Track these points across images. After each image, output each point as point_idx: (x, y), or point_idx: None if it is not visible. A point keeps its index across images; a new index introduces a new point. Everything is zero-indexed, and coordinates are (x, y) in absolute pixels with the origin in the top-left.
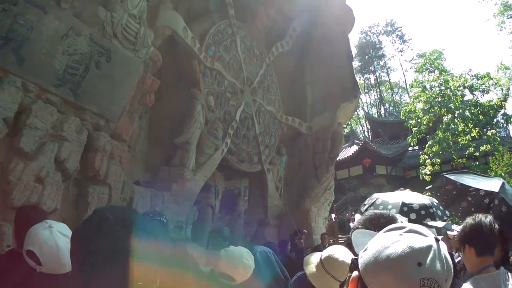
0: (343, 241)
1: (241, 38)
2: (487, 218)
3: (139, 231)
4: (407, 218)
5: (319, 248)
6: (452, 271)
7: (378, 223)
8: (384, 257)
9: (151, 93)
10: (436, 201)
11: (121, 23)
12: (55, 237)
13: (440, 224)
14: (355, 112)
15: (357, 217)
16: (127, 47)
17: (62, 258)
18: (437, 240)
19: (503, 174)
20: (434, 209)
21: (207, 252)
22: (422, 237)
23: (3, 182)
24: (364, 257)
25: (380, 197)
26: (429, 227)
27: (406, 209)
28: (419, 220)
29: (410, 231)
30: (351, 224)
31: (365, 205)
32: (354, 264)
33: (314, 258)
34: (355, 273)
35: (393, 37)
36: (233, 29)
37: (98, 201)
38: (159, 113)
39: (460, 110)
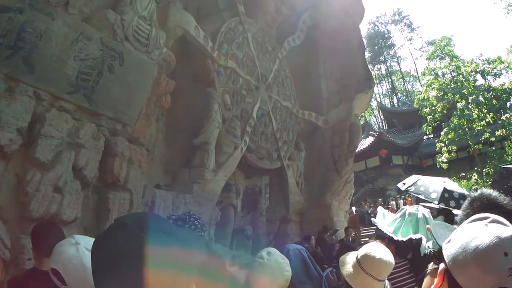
0: (369, 233)
1: (252, 34)
2: None
3: (163, 236)
4: None
5: (344, 242)
6: None
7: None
8: (473, 247)
9: (166, 94)
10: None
11: (132, 25)
12: (81, 255)
13: None
14: (368, 106)
15: (380, 209)
16: (140, 49)
17: (89, 278)
18: None
19: None
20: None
21: (232, 253)
22: (506, 227)
23: (20, 194)
24: (450, 249)
25: (421, 178)
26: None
27: (447, 195)
28: (458, 209)
29: (494, 221)
30: (373, 220)
31: (404, 184)
32: (438, 256)
33: (350, 258)
34: (442, 265)
35: (401, 26)
36: (244, 26)
37: (119, 207)
38: (175, 114)
39: (474, 96)
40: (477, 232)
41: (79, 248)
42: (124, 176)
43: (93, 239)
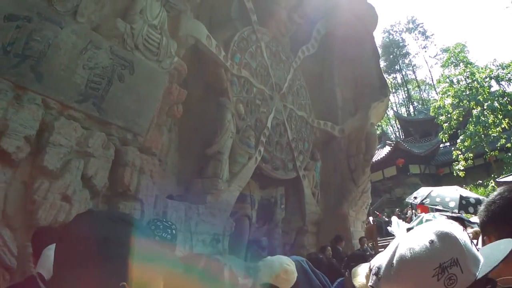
0: (386, 244)
1: (266, 43)
2: None
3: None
4: None
5: (359, 253)
6: None
7: None
8: None
9: (178, 104)
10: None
11: (142, 34)
12: None
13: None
14: (384, 114)
15: (394, 219)
16: (150, 58)
17: None
18: None
19: None
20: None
21: (246, 264)
22: None
23: (28, 202)
24: None
25: (434, 190)
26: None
27: (464, 203)
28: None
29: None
30: (389, 228)
31: (415, 198)
32: None
33: (362, 269)
34: None
35: (415, 34)
36: (257, 35)
37: None
38: (188, 124)
39: (489, 102)
40: None
41: None
42: (135, 186)
43: None
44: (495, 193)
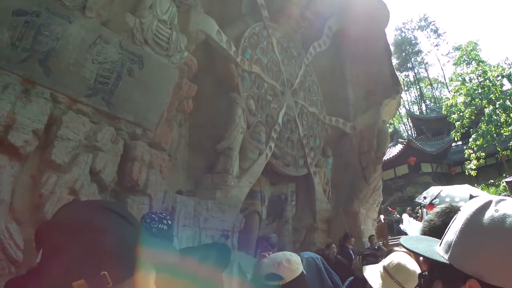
0: (394, 243)
1: (277, 39)
2: None
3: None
4: None
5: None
6: None
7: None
8: None
9: (188, 99)
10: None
11: (152, 29)
12: None
13: None
14: (396, 112)
15: (405, 217)
16: (160, 53)
17: None
18: None
19: None
20: None
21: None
22: None
23: (35, 196)
24: None
25: (443, 189)
26: None
27: None
28: None
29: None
30: (401, 226)
31: (425, 198)
32: None
33: (374, 270)
34: None
35: (427, 32)
36: (269, 31)
37: (138, 212)
38: (199, 120)
39: (501, 101)
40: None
41: None
42: (144, 181)
43: None
44: (435, 210)
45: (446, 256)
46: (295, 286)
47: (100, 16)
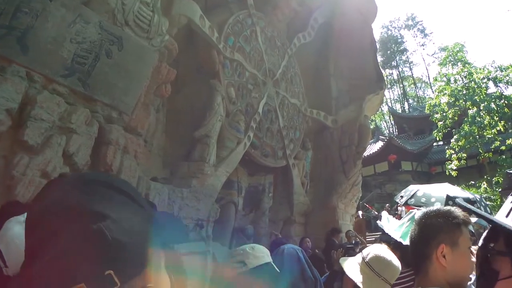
0: (372, 239)
1: (261, 28)
2: None
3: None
4: None
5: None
6: None
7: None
8: None
9: (167, 83)
10: (479, 197)
11: (133, 10)
12: None
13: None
14: (379, 108)
15: (384, 214)
16: (140, 35)
17: None
18: None
19: None
20: (478, 204)
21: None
22: None
23: (6, 177)
24: None
25: (421, 188)
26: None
27: (451, 203)
28: None
29: None
30: (378, 222)
31: (402, 197)
32: None
33: (353, 263)
34: None
35: (414, 31)
36: (253, 19)
37: None
38: (177, 105)
39: (485, 103)
40: None
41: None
42: (118, 166)
43: None
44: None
45: None
46: (260, 274)
47: None
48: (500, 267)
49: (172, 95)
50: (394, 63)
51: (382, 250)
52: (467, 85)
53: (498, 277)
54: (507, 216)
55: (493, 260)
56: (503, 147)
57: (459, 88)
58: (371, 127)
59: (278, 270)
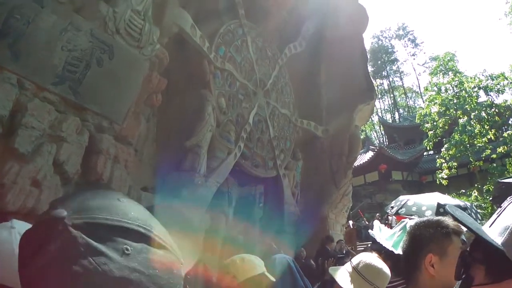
0: (362, 248)
1: (252, 38)
2: None
3: None
4: None
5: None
6: None
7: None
8: None
9: (158, 93)
10: (470, 204)
11: (124, 19)
12: (14, 240)
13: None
14: (369, 118)
15: (376, 223)
16: (131, 43)
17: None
18: None
19: None
20: (469, 211)
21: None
22: None
23: None
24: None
25: (411, 198)
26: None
27: (442, 211)
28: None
29: None
30: (370, 231)
31: (392, 207)
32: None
33: (343, 271)
34: None
35: (405, 41)
36: (244, 29)
37: None
38: (168, 115)
39: (476, 112)
40: None
41: (12, 232)
42: (108, 175)
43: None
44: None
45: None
46: (250, 287)
47: (74, 2)
48: (475, 274)
49: (163, 105)
50: (384, 73)
51: (372, 258)
52: (457, 94)
53: (472, 283)
54: (490, 226)
55: (471, 267)
56: (493, 156)
57: (449, 97)
58: (362, 137)
59: (273, 279)
